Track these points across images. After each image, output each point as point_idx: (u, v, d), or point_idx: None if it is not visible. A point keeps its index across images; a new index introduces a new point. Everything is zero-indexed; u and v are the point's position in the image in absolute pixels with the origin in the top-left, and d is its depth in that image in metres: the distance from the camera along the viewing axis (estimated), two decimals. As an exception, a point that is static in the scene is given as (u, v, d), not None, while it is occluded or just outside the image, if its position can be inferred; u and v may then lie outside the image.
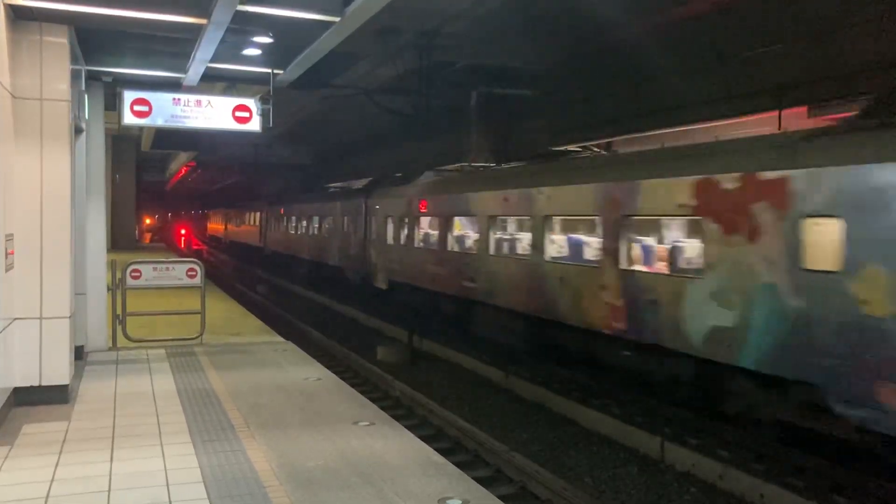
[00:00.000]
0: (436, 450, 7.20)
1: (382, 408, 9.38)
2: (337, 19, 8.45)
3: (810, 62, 11.84)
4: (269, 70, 11.44)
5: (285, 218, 36.12)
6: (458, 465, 7.15)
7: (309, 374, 10.21)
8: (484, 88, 17.90)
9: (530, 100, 18.44)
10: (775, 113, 12.38)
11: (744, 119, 13.49)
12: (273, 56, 10.88)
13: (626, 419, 10.77)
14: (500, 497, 6.50)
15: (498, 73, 17.02)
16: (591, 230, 12.68)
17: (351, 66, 15.71)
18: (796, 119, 12.20)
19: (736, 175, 8.85)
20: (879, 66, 10.70)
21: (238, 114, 11.48)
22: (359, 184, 30.36)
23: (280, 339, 13.44)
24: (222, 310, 17.16)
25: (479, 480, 6.73)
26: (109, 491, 5.83)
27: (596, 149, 17.40)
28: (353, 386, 10.42)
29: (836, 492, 8.08)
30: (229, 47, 9.96)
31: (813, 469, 8.61)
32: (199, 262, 12.70)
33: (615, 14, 11.93)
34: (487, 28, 13.42)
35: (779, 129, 12.19)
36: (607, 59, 14.91)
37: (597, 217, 11.53)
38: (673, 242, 11.28)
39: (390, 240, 20.22)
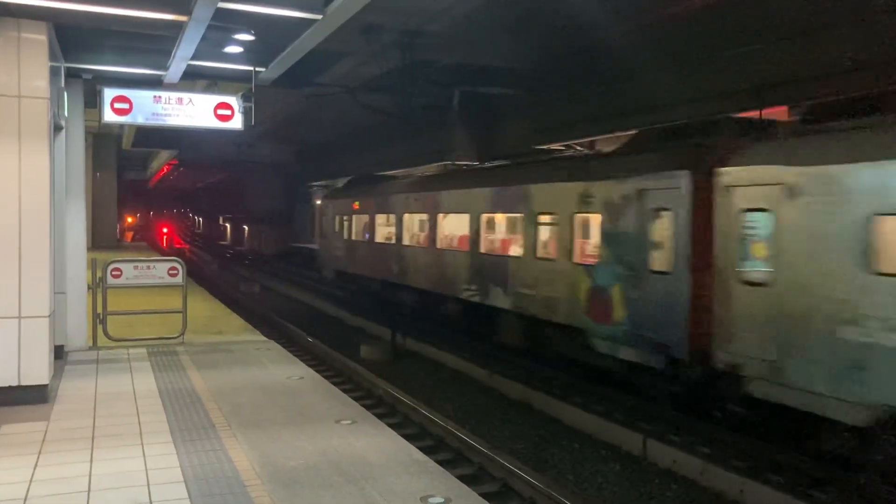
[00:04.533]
0: (418, 448, 7.21)
1: (365, 406, 9.38)
2: (319, 17, 8.42)
3: (790, 62, 11.95)
4: (251, 68, 11.38)
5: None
6: (440, 463, 7.17)
7: (291, 372, 10.18)
8: (466, 87, 17.92)
9: (512, 99, 18.48)
10: (755, 113, 12.48)
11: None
12: (255, 54, 10.84)
13: (608, 416, 10.82)
14: (483, 495, 6.52)
15: (480, 72, 17.04)
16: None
17: (334, 65, 15.68)
18: (777, 118, 12.32)
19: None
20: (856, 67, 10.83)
21: (220, 112, 11.43)
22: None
23: (262, 337, 13.39)
24: (205, 309, 17.07)
25: (461, 478, 6.75)
26: (89, 491, 5.79)
27: (579, 147, 17.48)
28: (335, 385, 10.40)
29: (814, 487, 8.16)
30: (211, 45, 9.91)
31: (792, 465, 8.69)
32: (180, 260, 12.63)
33: (596, 14, 11.98)
34: (469, 27, 13.44)
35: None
36: (588, 58, 14.97)
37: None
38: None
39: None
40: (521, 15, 12.90)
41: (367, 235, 20.87)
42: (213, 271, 39.39)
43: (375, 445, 6.99)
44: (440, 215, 16.57)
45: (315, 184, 47.25)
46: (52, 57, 8.95)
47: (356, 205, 21.77)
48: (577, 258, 11.87)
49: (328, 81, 17.05)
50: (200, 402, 8.53)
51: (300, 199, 51.67)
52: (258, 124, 13.45)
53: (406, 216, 18.41)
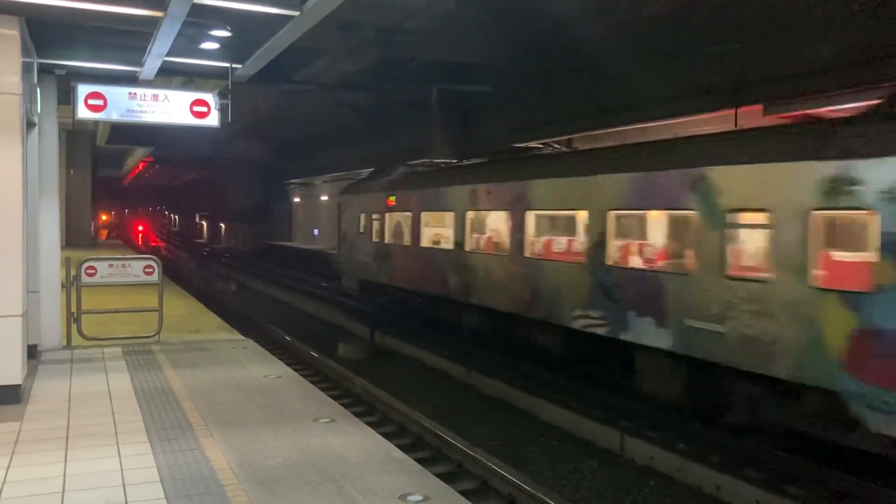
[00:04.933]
0: (397, 446, 7.20)
1: (343, 405, 9.35)
2: (296, 14, 8.38)
3: (766, 61, 12.07)
4: (228, 64, 11.30)
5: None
6: (419, 461, 7.17)
7: (269, 371, 10.13)
8: (443, 85, 17.93)
9: (490, 96, 18.50)
10: (732, 111, 12.59)
11: (702, 116, 13.69)
12: (231, 50, 10.76)
13: (586, 413, 10.88)
14: (462, 492, 6.52)
15: (458, 70, 17.05)
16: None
17: (311, 61, 15.61)
18: (754, 117, 12.43)
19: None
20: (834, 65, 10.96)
21: (196, 108, 11.33)
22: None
23: (239, 336, 13.31)
24: (181, 307, 16.94)
25: (440, 476, 6.75)
26: (63, 492, 5.72)
27: (556, 145, 17.53)
28: (313, 383, 10.37)
29: (790, 483, 8.26)
30: (186, 41, 9.83)
31: (768, 461, 8.79)
32: (156, 258, 12.51)
33: (572, 12, 12.03)
34: (447, 24, 13.43)
35: (735, 126, 12.41)
36: (567, 56, 15.02)
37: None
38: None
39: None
40: (497, 12, 12.91)
41: (408, 238, 16.99)
42: (189, 269, 39.07)
43: (354, 444, 6.98)
44: (529, 213, 12.76)
45: (293, 181, 47.09)
46: (25, 52, 8.82)
47: (391, 200, 17.88)
48: (820, 281, 7.85)
49: (305, 78, 16.98)
50: (177, 401, 8.46)
51: (277, 196, 51.43)
52: (235, 121, 13.36)
53: (471, 214, 14.57)
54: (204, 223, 78.55)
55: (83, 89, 10.79)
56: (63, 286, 11.73)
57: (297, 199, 51.43)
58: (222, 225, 63.00)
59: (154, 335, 12.21)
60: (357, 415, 8.75)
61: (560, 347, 12.37)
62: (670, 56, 13.56)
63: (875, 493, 7.75)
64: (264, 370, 10.18)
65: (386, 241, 18.06)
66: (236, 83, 11.82)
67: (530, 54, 15.48)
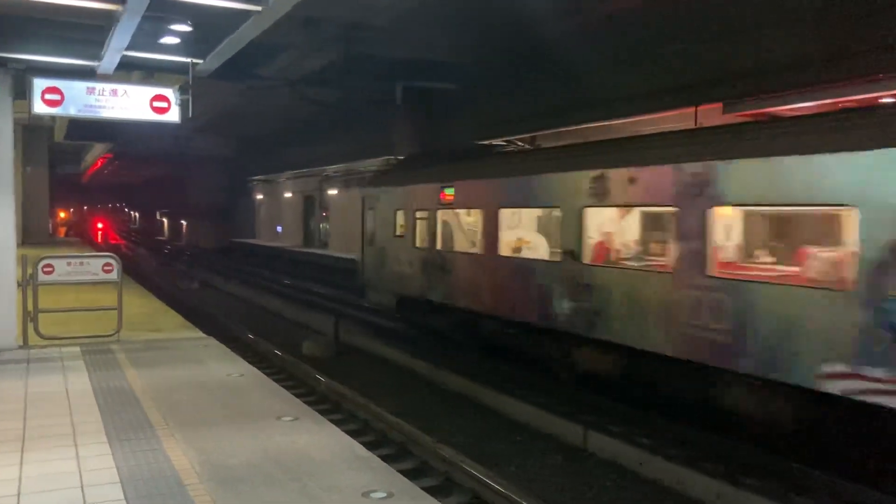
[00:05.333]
0: (362, 443, 7.18)
1: (307, 403, 9.30)
2: (258, 9, 8.31)
3: (726, 60, 12.24)
4: (189, 59, 11.16)
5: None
6: (383, 458, 7.16)
7: (231, 370, 10.03)
8: (409, 81, 17.90)
9: (456, 93, 18.53)
10: (692, 109, 12.76)
11: (663, 114, 13.85)
12: (192, 45, 10.63)
13: (550, 408, 10.95)
14: (426, 489, 6.53)
15: (423, 67, 17.04)
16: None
17: (274, 57, 15.50)
18: (714, 115, 12.61)
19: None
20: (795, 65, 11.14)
21: (156, 104, 11.17)
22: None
23: (201, 334, 13.16)
24: (141, 306, 16.69)
25: (404, 473, 6.75)
26: (19, 495, 5.61)
27: (520, 143, 17.62)
28: (277, 381, 10.29)
29: (748, 475, 8.40)
30: (146, 35, 9.69)
31: (729, 453, 8.94)
32: (115, 256, 12.32)
33: (535, 10, 12.09)
34: (412, 21, 13.42)
35: (695, 125, 12.58)
36: (531, 54, 15.11)
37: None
38: None
39: None
40: (461, 10, 12.94)
41: (478, 243, 13.39)
42: (150, 267, 38.52)
43: (317, 442, 6.94)
44: (728, 211, 9.09)
45: (256, 178, 46.68)
46: (-23, 45, 8.63)
47: (447, 193, 13.94)
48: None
49: (269, 74, 16.84)
50: (137, 401, 8.34)
51: (241, 193, 50.93)
52: (197, 117, 13.22)
53: (589, 212, 10.60)
54: (165, 220, 77.53)
55: (39, 83, 10.57)
56: (19, 285, 11.49)
57: (260, 196, 50.99)
58: (184, 222, 62.21)
59: (113, 334, 12.02)
60: (321, 413, 8.70)
61: (792, 420, 8.37)
62: (635, 54, 13.66)
63: (834, 486, 7.91)
64: (227, 369, 10.08)
65: (439, 246, 14.29)
66: (198, 78, 11.68)
67: (496, 52, 15.54)
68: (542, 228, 12.80)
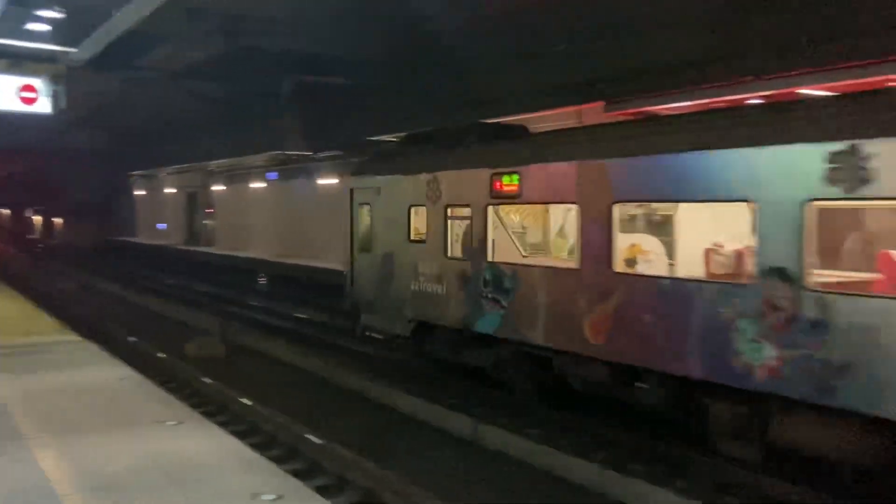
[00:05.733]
0: (249, 445, 7.02)
1: (192, 406, 9.01)
2: (135, -4, 7.96)
3: (610, 59, 12.63)
4: (61, 47, 10.58)
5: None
6: (274, 459, 7.03)
7: (110, 374, 9.59)
8: (298, 75, 17.60)
9: (347, 89, 18.34)
10: (577, 108, 13.10)
11: (548, 112, 14.16)
12: (65, 32, 10.09)
13: (440, 402, 11.01)
14: (318, 488, 6.46)
15: (313, 61, 16.78)
16: None
17: (154, 47, 14.86)
18: (596, 114, 13.00)
19: None
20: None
21: (24, 94, 10.55)
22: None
23: (78, 337, 12.52)
24: (12, 309, 15.73)
25: (295, 473, 6.64)
26: None
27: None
28: (160, 385, 9.92)
29: (634, 460, 8.71)
30: (12, 21, 9.11)
31: (613, 440, 9.26)
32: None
33: (431, 6, 12.10)
34: (300, 14, 13.18)
35: (580, 123, 12.94)
36: (429, 50, 15.08)
37: None
38: None
39: None
40: (352, 3, 12.80)
41: (568, 254, 10.20)
42: (20, 269, 36.31)
43: (203, 445, 6.73)
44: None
45: (136, 173, 44.81)
46: None
47: (508, 183, 10.21)
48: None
49: (149, 65, 16.15)
50: (6, 409, 7.84)
51: (120, 189, 48.78)
52: (71, 109, 12.54)
53: (822, 210, 7.14)
54: (37, 218, 73.30)
55: None
56: None
57: (141, 192, 48.96)
58: (59, 220, 59.04)
59: (-21, 339, 11.27)
60: (208, 415, 8.46)
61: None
62: (530, 53, 13.87)
63: (716, 469, 8.28)
64: (105, 373, 9.63)
65: (493, 257, 10.52)
66: (72, 68, 11.08)
67: (390, 47, 15.43)
68: (705, 231, 8.96)
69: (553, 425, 9.93)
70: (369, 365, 13.37)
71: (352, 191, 13.68)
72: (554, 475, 8.87)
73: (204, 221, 39.32)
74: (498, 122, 12.82)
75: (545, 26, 12.92)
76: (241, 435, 8.61)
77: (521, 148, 10.47)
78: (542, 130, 11.29)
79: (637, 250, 9.38)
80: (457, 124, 13.36)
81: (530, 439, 9.43)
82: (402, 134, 16.79)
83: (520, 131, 11.54)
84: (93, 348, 11.45)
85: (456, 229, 11.33)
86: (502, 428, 9.86)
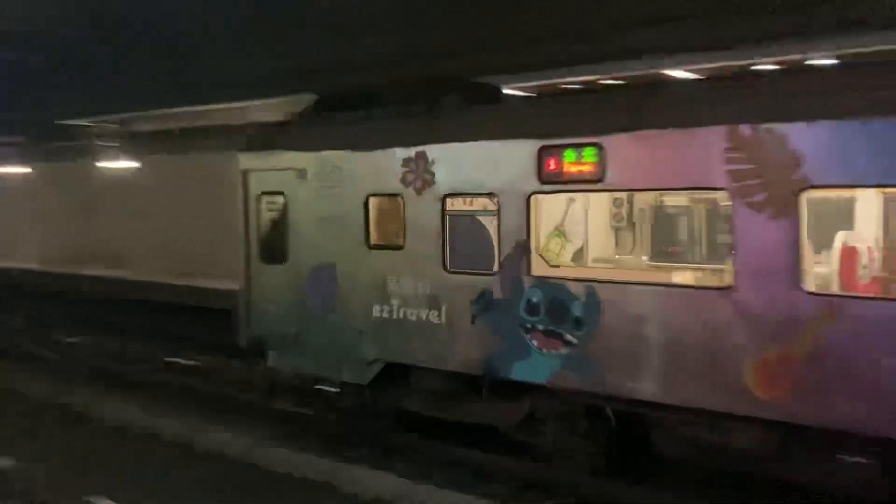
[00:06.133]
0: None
1: None
2: None
3: (326, 52, 12.69)
4: None
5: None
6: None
7: None
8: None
9: (48, 67, 16.65)
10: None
11: (266, 102, 14.04)
12: None
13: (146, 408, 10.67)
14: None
15: (6, 37, 14.97)
16: None
17: None
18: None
19: None
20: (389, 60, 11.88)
21: None
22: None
23: None
24: None
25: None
26: None
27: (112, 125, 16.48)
28: None
29: (394, 454, 8.78)
30: None
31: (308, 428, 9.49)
32: None
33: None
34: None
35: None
36: (141, 30, 14.08)
37: None
38: None
39: None
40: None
41: (683, 268, 8.06)
42: None
43: None
44: None
45: None
46: None
47: (576, 161, 7.14)
48: None
49: None
50: None
51: None
52: None
53: None
54: None
55: None
56: None
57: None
58: None
59: None
60: None
61: None
62: (255, 39, 13.51)
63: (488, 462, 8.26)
64: None
65: (539, 270, 7.57)
66: None
67: (102, 24, 14.13)
68: None
69: (271, 423, 9.94)
70: (61, 367, 12.43)
71: (245, 173, 9.99)
72: (280, 474, 8.75)
73: None
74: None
75: (268, 14, 12.64)
76: None
77: (601, 108, 7.44)
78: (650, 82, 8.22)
79: (852, 256, 6.70)
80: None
81: (249, 439, 9.33)
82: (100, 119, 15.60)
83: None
84: None
85: (463, 230, 8.10)
86: (218, 431, 9.65)
